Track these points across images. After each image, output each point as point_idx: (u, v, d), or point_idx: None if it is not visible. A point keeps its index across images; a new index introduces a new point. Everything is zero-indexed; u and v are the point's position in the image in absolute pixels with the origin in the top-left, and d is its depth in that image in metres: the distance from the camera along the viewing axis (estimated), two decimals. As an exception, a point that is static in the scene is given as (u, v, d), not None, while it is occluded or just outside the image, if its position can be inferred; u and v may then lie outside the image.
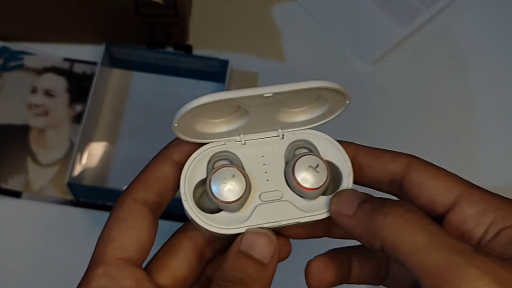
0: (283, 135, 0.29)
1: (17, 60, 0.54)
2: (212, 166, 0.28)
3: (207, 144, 0.28)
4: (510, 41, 0.60)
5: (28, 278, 0.48)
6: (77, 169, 0.49)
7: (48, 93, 0.53)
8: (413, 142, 0.55)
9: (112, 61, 0.54)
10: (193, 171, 0.27)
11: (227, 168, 0.27)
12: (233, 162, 0.28)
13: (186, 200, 0.27)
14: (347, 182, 0.28)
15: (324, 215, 0.27)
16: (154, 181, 0.27)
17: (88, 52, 0.55)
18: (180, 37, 0.55)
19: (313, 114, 0.29)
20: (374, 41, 0.58)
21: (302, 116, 0.29)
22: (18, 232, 0.50)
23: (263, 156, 0.28)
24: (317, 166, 0.27)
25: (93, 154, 0.51)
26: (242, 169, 0.27)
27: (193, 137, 0.27)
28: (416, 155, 0.53)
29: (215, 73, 0.53)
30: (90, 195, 0.49)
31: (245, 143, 0.28)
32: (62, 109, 0.53)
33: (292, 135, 0.29)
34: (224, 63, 0.52)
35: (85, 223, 0.50)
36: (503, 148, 0.55)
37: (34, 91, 0.53)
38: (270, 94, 0.25)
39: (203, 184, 0.28)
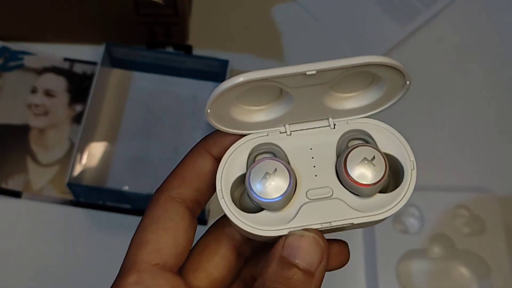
0: (334, 125, 0.25)
1: (17, 60, 0.54)
2: (253, 160, 0.25)
3: (248, 136, 0.25)
4: (510, 41, 0.60)
5: (28, 278, 0.48)
6: (77, 169, 0.49)
7: (48, 93, 0.53)
8: (413, 142, 0.54)
9: (112, 61, 0.54)
10: (231, 165, 0.24)
11: (268, 161, 0.24)
12: (276, 155, 0.25)
13: (223, 198, 0.24)
14: (410, 177, 0.25)
15: (382, 216, 0.24)
16: (192, 177, 0.25)
17: (88, 52, 0.55)
18: (180, 37, 0.55)
19: (368, 100, 0.25)
20: (374, 41, 0.58)
21: (355, 102, 0.25)
22: (18, 232, 0.50)
23: (311, 149, 0.25)
24: (374, 158, 0.24)
25: (93, 154, 0.51)
26: (286, 163, 0.24)
27: (229, 126, 0.24)
28: (416, 155, 0.54)
29: (215, 73, 0.53)
30: (90, 195, 0.49)
31: (290, 134, 0.25)
32: (62, 109, 0.53)
33: (345, 125, 0.25)
34: (224, 63, 0.52)
35: (85, 223, 0.50)
36: (503, 148, 0.55)
37: (34, 91, 0.53)
38: (314, 72, 0.22)
39: (243, 180, 0.24)
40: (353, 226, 0.24)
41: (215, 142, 0.25)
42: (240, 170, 0.24)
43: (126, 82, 0.55)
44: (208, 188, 0.25)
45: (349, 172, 0.23)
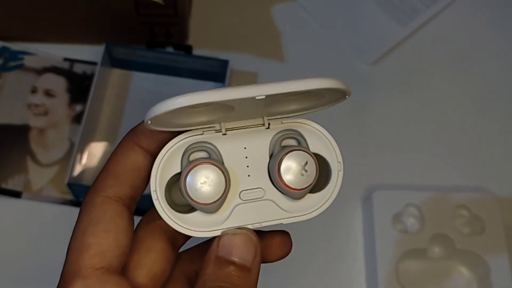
0: (269, 124, 0.25)
1: (17, 60, 0.54)
2: (187, 159, 0.25)
3: (182, 134, 0.25)
4: (510, 41, 0.60)
5: (28, 278, 0.48)
6: (77, 169, 0.49)
7: (48, 93, 0.53)
8: (412, 142, 0.55)
9: (112, 61, 0.54)
10: (166, 165, 0.24)
11: (204, 165, 0.24)
12: (211, 154, 0.25)
13: (157, 199, 0.24)
14: (336, 178, 0.26)
15: (310, 216, 0.25)
16: (126, 174, 0.24)
17: (88, 52, 0.55)
18: (180, 37, 0.55)
19: (305, 104, 0.26)
20: (374, 41, 0.58)
21: (292, 105, 0.25)
22: (18, 232, 0.50)
23: (245, 148, 0.25)
24: (306, 164, 0.24)
25: (93, 154, 0.51)
26: (221, 165, 0.24)
27: (166, 127, 0.24)
28: (416, 154, 0.54)
29: (215, 73, 0.53)
30: (90, 195, 0.49)
31: (226, 133, 0.25)
32: (62, 109, 0.53)
33: (279, 124, 0.26)
34: (224, 63, 0.52)
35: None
36: (503, 148, 0.55)
37: (34, 91, 0.53)
38: (263, 97, 0.21)
39: (177, 179, 0.25)
40: (284, 225, 0.25)
41: (145, 135, 0.25)
42: (174, 169, 0.25)
43: (126, 82, 0.55)
44: (143, 183, 0.25)
45: (282, 177, 0.24)
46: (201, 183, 0.23)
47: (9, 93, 0.53)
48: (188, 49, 0.55)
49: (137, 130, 0.25)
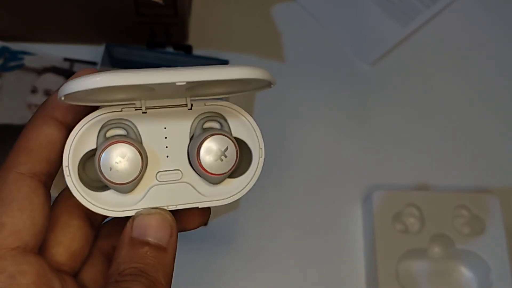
0: (191, 105, 0.24)
1: (17, 60, 0.54)
2: (104, 135, 0.24)
3: (100, 109, 0.23)
4: (510, 41, 0.60)
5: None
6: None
7: (48, 93, 0.53)
8: (412, 141, 0.55)
9: (112, 61, 0.54)
10: (81, 140, 0.23)
11: (120, 144, 0.23)
12: (129, 133, 0.24)
13: (69, 175, 0.23)
14: (257, 165, 0.25)
15: (225, 201, 0.25)
16: (40, 148, 0.23)
17: (88, 52, 0.55)
18: (180, 37, 0.55)
19: (230, 88, 0.25)
20: (374, 41, 0.58)
21: (216, 88, 0.25)
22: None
23: (165, 128, 0.24)
24: (226, 149, 0.24)
25: (93, 154, 0.51)
26: (139, 144, 0.23)
27: (82, 102, 0.23)
28: (416, 154, 0.54)
29: (215, 73, 0.53)
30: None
31: (146, 112, 0.24)
32: (62, 109, 0.53)
33: (202, 106, 0.25)
34: (224, 63, 0.52)
35: None
36: (503, 148, 0.55)
37: (34, 91, 0.53)
38: (183, 83, 0.21)
39: (92, 155, 0.23)
40: (199, 209, 0.25)
41: (59, 107, 0.24)
42: (89, 145, 0.24)
43: (126, 82, 0.55)
44: (59, 158, 0.23)
45: (201, 160, 0.23)
46: (116, 162, 0.22)
47: (9, 93, 0.53)
48: (188, 49, 0.55)
49: (49, 102, 0.24)
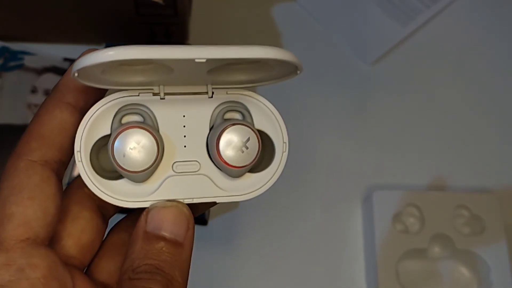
0: (212, 93, 0.23)
1: (17, 60, 0.54)
2: (119, 121, 0.22)
3: (116, 93, 0.22)
4: (510, 41, 0.60)
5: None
6: (77, 169, 0.49)
7: (48, 93, 0.53)
8: (412, 141, 0.55)
9: (112, 61, 0.54)
10: (94, 124, 0.22)
11: (136, 129, 0.21)
12: (146, 119, 0.23)
13: (81, 161, 0.22)
14: (280, 159, 0.24)
15: (245, 197, 0.23)
16: (52, 134, 0.22)
17: (88, 52, 0.55)
18: (180, 37, 0.55)
19: (254, 75, 0.23)
20: (374, 41, 0.58)
21: (239, 75, 0.23)
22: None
23: (184, 116, 0.23)
24: (248, 140, 0.22)
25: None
26: (155, 131, 0.22)
27: (98, 83, 0.21)
28: (416, 154, 0.54)
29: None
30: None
31: (164, 97, 0.22)
32: (62, 109, 0.53)
33: (224, 95, 0.23)
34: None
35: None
36: (503, 148, 0.55)
37: (34, 91, 0.53)
38: (204, 60, 0.19)
39: (106, 141, 0.22)
40: (217, 203, 0.24)
41: (71, 90, 0.22)
42: (103, 130, 0.22)
43: (126, 82, 0.55)
44: (72, 144, 0.22)
45: (221, 151, 0.22)
46: (130, 148, 0.21)
47: (9, 93, 0.53)
48: (188, 49, 0.55)
49: (61, 85, 0.22)
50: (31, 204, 0.20)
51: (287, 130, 0.24)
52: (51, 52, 0.55)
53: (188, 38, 0.56)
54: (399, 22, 0.59)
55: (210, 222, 0.49)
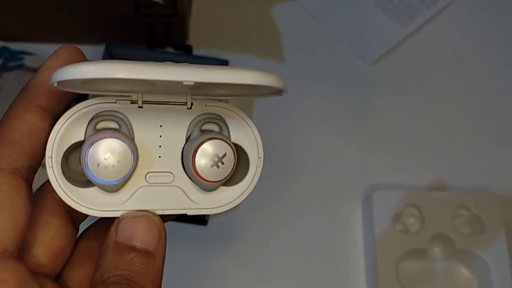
0: (192, 104, 0.23)
1: (17, 60, 0.54)
2: (93, 127, 0.22)
3: (93, 99, 0.21)
4: (509, 41, 0.60)
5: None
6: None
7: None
8: (412, 141, 0.55)
9: (112, 61, 0.54)
10: (68, 130, 0.21)
11: (111, 139, 0.21)
12: (121, 127, 0.22)
13: (51, 167, 0.21)
14: (253, 175, 0.23)
15: (216, 211, 0.23)
16: (22, 140, 0.20)
17: (88, 52, 0.54)
18: (180, 37, 0.55)
19: (237, 91, 0.23)
20: (374, 41, 0.58)
21: (222, 89, 0.23)
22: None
23: (161, 126, 0.22)
24: (224, 155, 0.22)
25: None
26: (131, 140, 0.21)
27: (75, 89, 0.21)
28: (416, 154, 0.54)
29: (215, 73, 0.53)
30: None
31: (142, 106, 0.22)
32: (62, 109, 0.53)
33: (203, 107, 0.23)
34: (224, 63, 0.52)
35: (85, 223, 0.49)
36: (503, 148, 0.55)
37: (34, 91, 0.53)
38: (192, 83, 0.19)
39: (78, 147, 0.22)
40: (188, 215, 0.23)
41: (43, 92, 0.21)
42: (77, 136, 0.21)
43: (126, 82, 0.55)
44: (43, 150, 0.21)
45: (196, 165, 0.22)
46: (104, 158, 0.21)
47: (9, 93, 0.53)
48: (188, 49, 0.55)
49: (31, 87, 0.21)
50: (0, 216, 0.19)
51: (263, 144, 0.24)
52: (51, 52, 0.54)
53: (188, 38, 0.56)
54: (399, 22, 0.59)
55: (210, 222, 0.49)
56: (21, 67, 0.54)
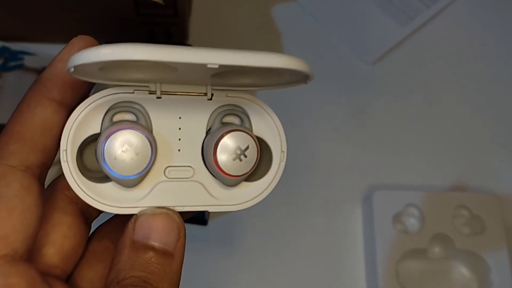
0: (212, 95, 0.21)
1: (17, 60, 0.54)
2: (110, 119, 0.21)
3: (109, 89, 0.21)
4: (509, 41, 0.60)
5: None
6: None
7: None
8: (413, 142, 0.55)
9: (112, 61, 0.54)
10: (83, 122, 0.20)
11: (129, 131, 0.20)
12: (139, 118, 0.21)
13: (66, 161, 0.20)
14: (277, 169, 0.23)
15: (238, 207, 0.22)
16: (34, 135, 0.19)
17: (88, 52, 0.55)
18: (180, 37, 0.55)
19: (261, 80, 0.22)
20: (374, 41, 0.58)
21: (245, 78, 0.22)
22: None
23: (180, 118, 0.21)
24: (247, 148, 0.21)
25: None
26: (150, 133, 0.20)
27: (92, 78, 0.20)
28: (416, 154, 0.54)
29: (215, 73, 0.53)
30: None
31: (160, 97, 0.21)
32: (62, 109, 0.53)
33: (224, 97, 0.22)
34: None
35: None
36: (503, 148, 0.55)
37: (34, 91, 0.53)
38: (216, 66, 0.17)
39: (94, 140, 0.21)
40: (209, 212, 0.22)
41: (56, 85, 0.20)
42: (93, 128, 0.20)
43: (126, 82, 0.55)
44: (57, 145, 0.20)
45: (217, 159, 0.21)
46: (122, 151, 0.19)
47: (9, 93, 0.53)
48: (188, 49, 0.55)
49: (44, 79, 0.20)
50: (9, 216, 0.18)
51: (286, 138, 0.23)
52: (51, 52, 0.55)
53: (188, 38, 0.56)
54: (399, 22, 0.59)
55: (210, 222, 0.49)
56: (21, 67, 0.54)
